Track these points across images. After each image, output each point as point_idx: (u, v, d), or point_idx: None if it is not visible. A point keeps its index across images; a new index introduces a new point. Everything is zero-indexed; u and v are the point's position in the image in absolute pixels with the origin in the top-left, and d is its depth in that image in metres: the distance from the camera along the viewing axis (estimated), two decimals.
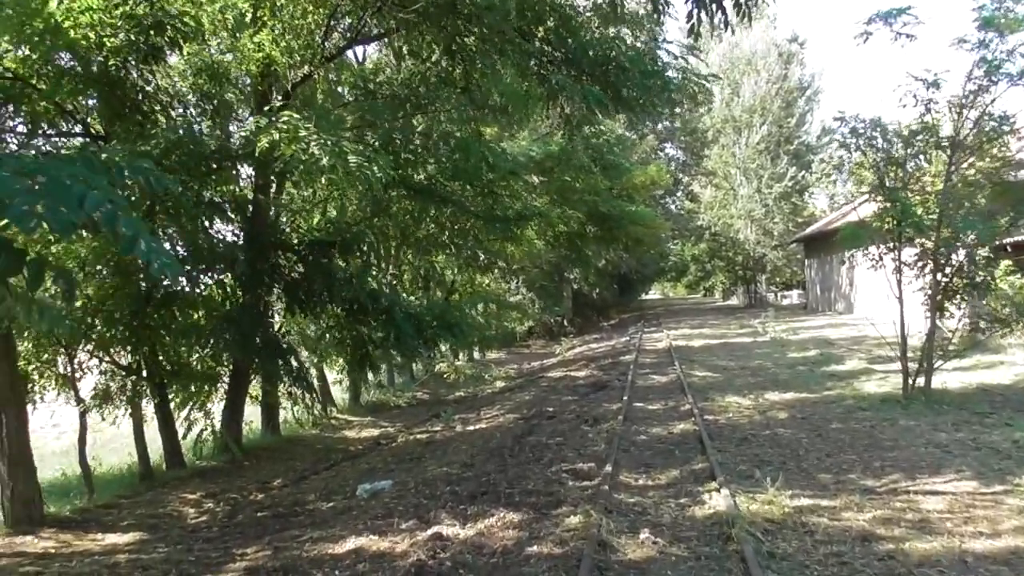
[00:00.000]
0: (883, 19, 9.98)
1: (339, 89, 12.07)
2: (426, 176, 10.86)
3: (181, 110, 8.69)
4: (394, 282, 15.10)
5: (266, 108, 7.97)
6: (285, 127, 6.62)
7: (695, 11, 6.91)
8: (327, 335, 11.81)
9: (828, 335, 22.37)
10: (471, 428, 12.15)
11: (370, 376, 16.76)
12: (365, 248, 10.14)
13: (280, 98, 9.66)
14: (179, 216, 8.58)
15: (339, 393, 17.12)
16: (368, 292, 8.93)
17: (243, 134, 7.80)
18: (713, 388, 13.36)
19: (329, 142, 6.53)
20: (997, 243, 10.73)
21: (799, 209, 48.57)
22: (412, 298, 20.75)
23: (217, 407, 11.56)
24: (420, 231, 11.75)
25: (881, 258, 10.68)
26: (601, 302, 44.80)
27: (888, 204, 10.45)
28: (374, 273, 12.69)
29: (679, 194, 54.65)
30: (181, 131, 7.99)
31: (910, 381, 10.62)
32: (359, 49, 15.47)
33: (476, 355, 29.87)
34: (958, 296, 10.52)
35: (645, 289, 75.37)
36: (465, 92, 9.73)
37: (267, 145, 6.66)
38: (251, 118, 7.01)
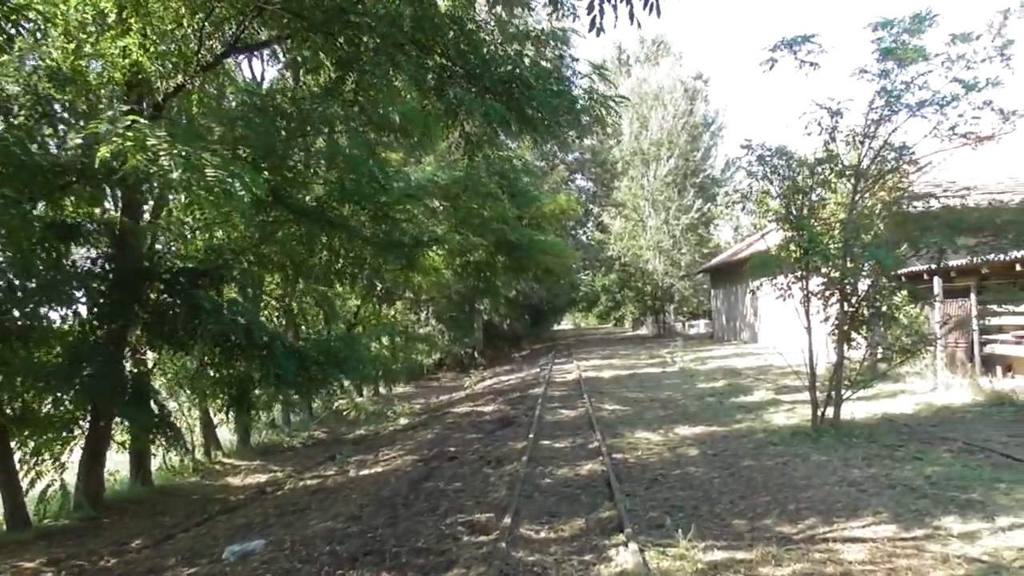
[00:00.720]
0: (788, 47, 9.86)
1: (228, 103, 11.14)
2: (314, 198, 10.01)
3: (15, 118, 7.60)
4: (289, 313, 14.05)
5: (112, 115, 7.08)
6: (131, 135, 5.73)
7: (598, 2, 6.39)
8: (203, 373, 10.71)
9: (735, 365, 22.44)
10: (366, 472, 11.26)
11: (261, 416, 15.59)
12: (238, 276, 9.18)
13: (151, 110, 8.71)
14: (15, 239, 7.46)
15: (226, 435, 15.85)
16: (242, 326, 8.01)
17: (77, 142, 6.81)
18: (622, 423, 12.89)
19: (184, 153, 5.69)
20: (893, 273, 10.69)
21: (705, 240, 49.66)
22: (310, 331, 19.76)
23: (77, 456, 10.27)
24: (312, 259, 10.87)
25: (789, 287, 10.47)
26: (513, 333, 44.31)
27: (794, 233, 10.27)
28: (259, 305, 11.75)
29: (589, 224, 55.09)
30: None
31: (819, 412, 10.38)
32: (257, 66, 14.61)
33: (383, 389, 28.81)
34: (864, 326, 10.37)
35: (557, 319, 75.51)
36: (357, 107, 9.03)
37: (108, 155, 5.75)
38: (91, 123, 6.08)
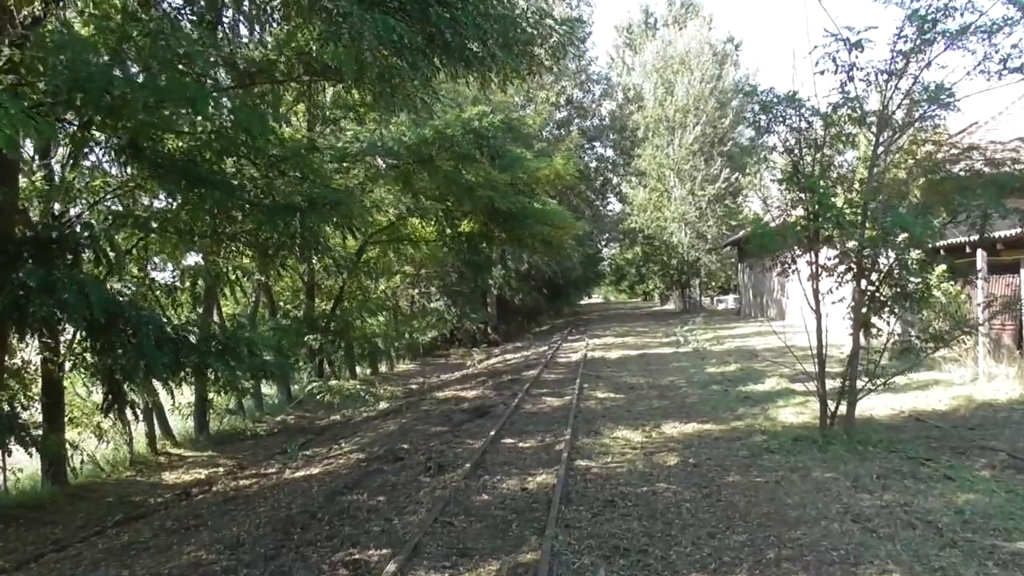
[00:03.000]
0: None
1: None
2: (183, 151, 8.33)
3: None
4: (211, 291, 12.31)
5: None
6: None
7: None
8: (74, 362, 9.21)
9: (754, 345, 20.61)
10: (300, 474, 9.76)
11: (220, 400, 14.18)
12: (85, 240, 7.55)
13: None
14: None
15: (180, 423, 14.47)
16: (103, 305, 6.49)
17: None
18: (607, 416, 11.23)
19: None
20: (930, 245, 8.81)
21: (733, 212, 47.24)
22: (290, 308, 18.32)
23: None
24: (199, 223, 9.17)
25: (794, 261, 8.65)
26: (529, 308, 42.60)
27: (802, 195, 8.44)
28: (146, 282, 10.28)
29: (609, 195, 52.94)
30: None
31: (829, 412, 8.60)
32: None
33: (384, 367, 27.44)
34: (886, 308, 8.52)
35: (582, 293, 73.64)
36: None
37: None
38: None
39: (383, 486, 7.95)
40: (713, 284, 52.88)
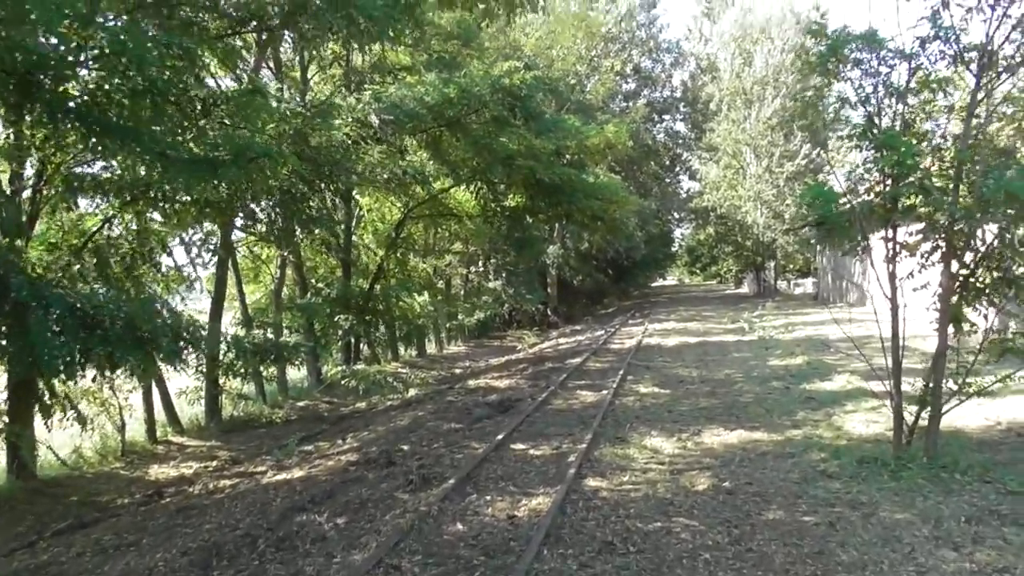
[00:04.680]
0: None
1: None
2: (83, 90, 7.06)
3: None
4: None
5: None
6: None
7: None
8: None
9: (827, 334, 18.53)
10: (282, 477, 8.58)
11: (235, 385, 13.22)
12: None
13: None
14: None
15: (192, 408, 13.56)
16: None
17: None
18: (641, 418, 9.71)
19: None
20: None
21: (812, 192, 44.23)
22: (322, 286, 17.34)
23: None
24: (116, 175, 7.92)
25: (864, 237, 6.89)
26: (592, 290, 40.96)
27: (879, 154, 6.68)
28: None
29: (680, 172, 50.46)
30: None
31: (905, 428, 6.86)
32: None
33: (433, 348, 26.41)
34: (984, 297, 6.70)
35: (654, 275, 71.40)
36: None
37: None
38: None
39: (352, 502, 6.67)
40: (791, 267, 50.02)
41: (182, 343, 7.86)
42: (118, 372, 7.62)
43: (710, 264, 63.68)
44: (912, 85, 6.82)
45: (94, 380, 10.22)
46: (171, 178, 6.99)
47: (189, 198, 9.27)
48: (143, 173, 7.47)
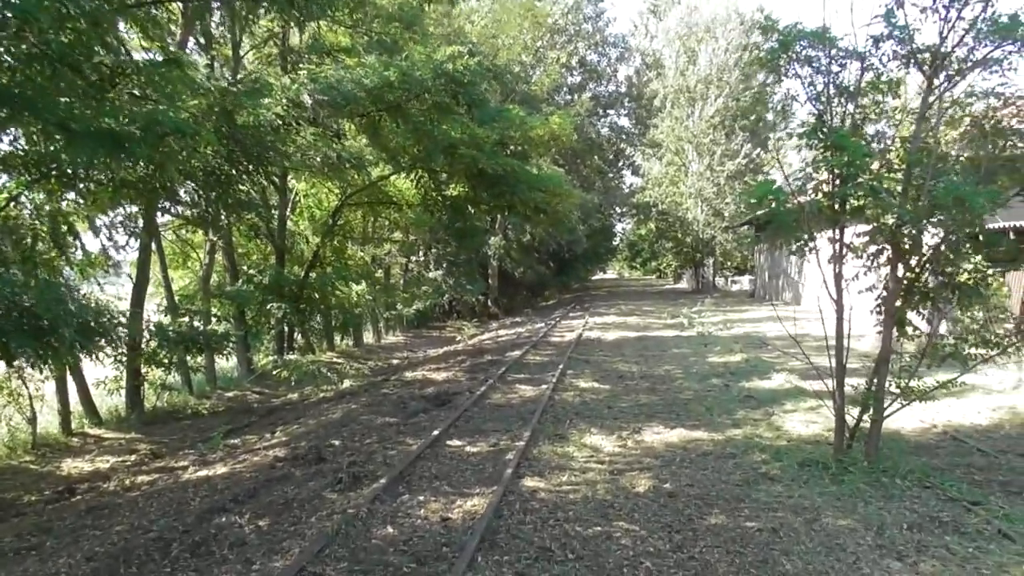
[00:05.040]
0: None
1: None
2: None
3: None
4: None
5: None
6: None
7: None
8: None
9: (765, 332, 18.76)
10: (203, 474, 8.10)
11: (152, 374, 12.52)
12: None
13: None
14: None
15: (112, 399, 12.83)
16: None
17: None
18: (581, 414, 9.51)
19: None
20: (989, 225, 6.94)
21: (749, 192, 44.89)
22: (254, 273, 16.69)
23: None
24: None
25: (811, 237, 6.78)
26: (533, 282, 40.78)
27: (828, 154, 6.56)
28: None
29: (623, 167, 50.63)
30: None
31: (847, 430, 6.79)
32: None
33: (371, 338, 25.86)
34: (928, 301, 6.67)
35: (595, 268, 71.74)
36: None
37: None
38: None
39: (276, 502, 6.27)
40: (728, 264, 50.79)
41: (91, 332, 7.24)
42: (18, 363, 6.95)
43: (650, 259, 64.27)
44: (863, 85, 6.74)
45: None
46: (72, 153, 6.36)
47: (104, 177, 8.63)
48: (50, 149, 6.77)
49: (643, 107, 45.70)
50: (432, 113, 12.83)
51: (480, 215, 20.41)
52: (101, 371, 12.04)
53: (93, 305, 8.43)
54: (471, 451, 7.84)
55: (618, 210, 51.26)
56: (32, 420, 10.63)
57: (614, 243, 65.12)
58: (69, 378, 11.88)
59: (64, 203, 11.12)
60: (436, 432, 8.41)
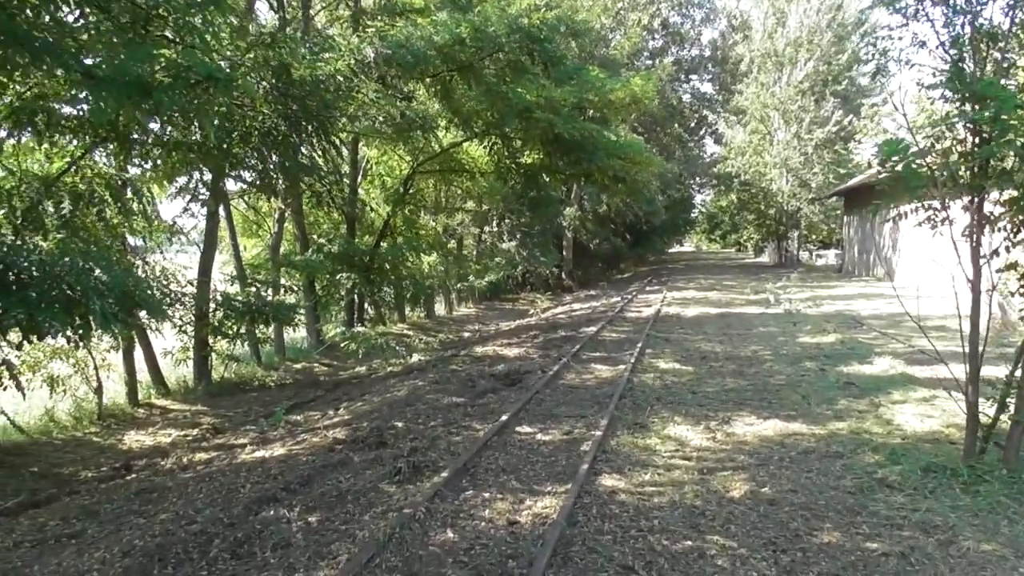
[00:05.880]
0: None
1: None
2: None
3: None
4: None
5: None
6: None
7: None
8: None
9: (858, 309, 17.50)
10: (261, 454, 7.69)
11: (219, 345, 12.30)
12: None
13: None
14: None
15: (180, 369, 12.70)
16: None
17: None
18: (662, 400, 8.73)
19: None
20: None
21: (843, 160, 42.62)
22: (324, 243, 16.40)
23: None
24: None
25: (945, 208, 5.77)
26: (608, 254, 39.78)
27: (969, 107, 5.54)
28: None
29: (705, 135, 48.75)
30: None
31: (980, 432, 5.82)
32: None
33: (442, 310, 25.52)
34: None
35: (672, 241, 70.11)
36: None
37: None
38: None
39: (329, 494, 5.74)
40: (814, 237, 48.61)
41: (128, 305, 6.79)
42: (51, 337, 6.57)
43: (730, 232, 62.27)
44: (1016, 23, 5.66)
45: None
46: (96, 102, 5.86)
47: (167, 139, 8.22)
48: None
49: (728, 72, 43.75)
50: (506, 73, 12.08)
51: (555, 184, 19.60)
52: (170, 340, 11.92)
53: (147, 274, 8.07)
54: (543, 439, 7.19)
55: (698, 180, 49.55)
56: (98, 390, 10.50)
57: (693, 215, 63.26)
58: (138, 348, 11.78)
59: (134, 168, 10.91)
60: (505, 417, 7.78)
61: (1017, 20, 5.74)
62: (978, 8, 5.84)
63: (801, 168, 39.92)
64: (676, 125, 42.13)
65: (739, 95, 41.96)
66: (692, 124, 46.30)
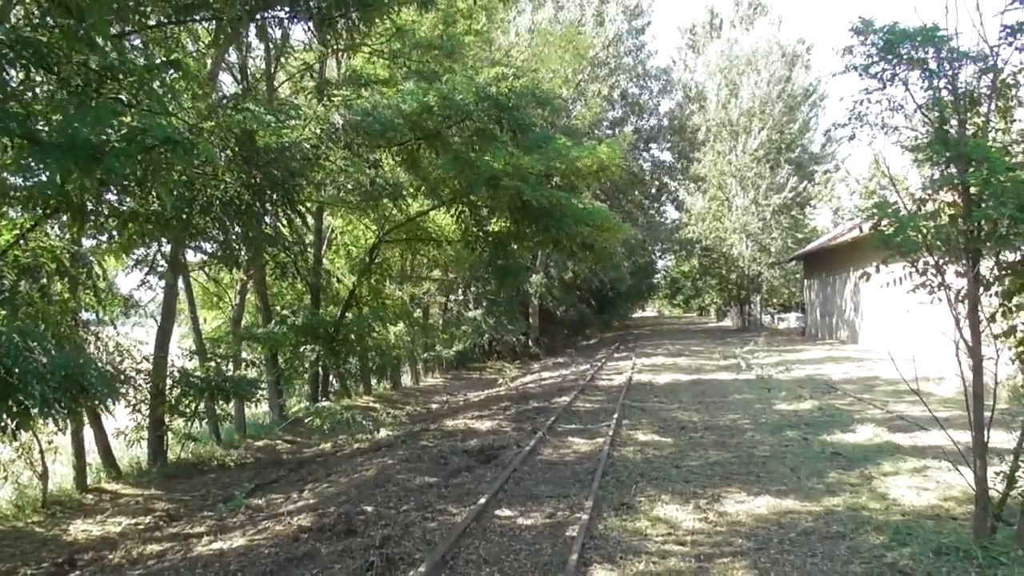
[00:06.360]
0: None
1: None
2: None
3: None
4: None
5: None
6: None
7: None
8: None
9: (828, 374, 17.40)
10: (217, 547, 7.08)
11: (176, 424, 11.62)
12: None
13: None
14: None
15: (132, 450, 11.94)
16: None
17: None
18: (646, 475, 8.34)
19: None
20: None
21: (799, 224, 43.58)
22: (287, 314, 15.91)
23: None
24: None
25: (939, 272, 5.59)
26: (575, 320, 39.67)
27: (954, 169, 5.43)
28: None
29: (665, 202, 49.59)
30: None
31: (991, 503, 5.53)
32: None
33: (409, 380, 24.91)
34: None
35: (635, 306, 70.48)
36: None
37: None
38: None
39: None
40: (774, 301, 49.24)
41: (72, 388, 6.22)
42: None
43: (693, 296, 62.90)
44: (996, 89, 5.62)
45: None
46: (42, 167, 5.45)
47: (123, 210, 7.81)
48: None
49: (686, 140, 44.80)
50: (474, 141, 11.95)
51: (523, 251, 19.42)
52: (123, 420, 11.22)
53: (98, 350, 7.53)
54: (525, 524, 6.72)
55: (660, 246, 50.10)
56: (43, 475, 9.74)
57: (655, 280, 63.84)
58: (88, 428, 11.06)
59: (89, 240, 10.43)
60: (483, 499, 7.30)
61: (996, 82, 5.70)
62: (952, 73, 5.80)
63: (760, 233, 40.64)
64: (637, 192, 42.76)
65: (697, 163, 42.89)
66: (653, 191, 47.08)
